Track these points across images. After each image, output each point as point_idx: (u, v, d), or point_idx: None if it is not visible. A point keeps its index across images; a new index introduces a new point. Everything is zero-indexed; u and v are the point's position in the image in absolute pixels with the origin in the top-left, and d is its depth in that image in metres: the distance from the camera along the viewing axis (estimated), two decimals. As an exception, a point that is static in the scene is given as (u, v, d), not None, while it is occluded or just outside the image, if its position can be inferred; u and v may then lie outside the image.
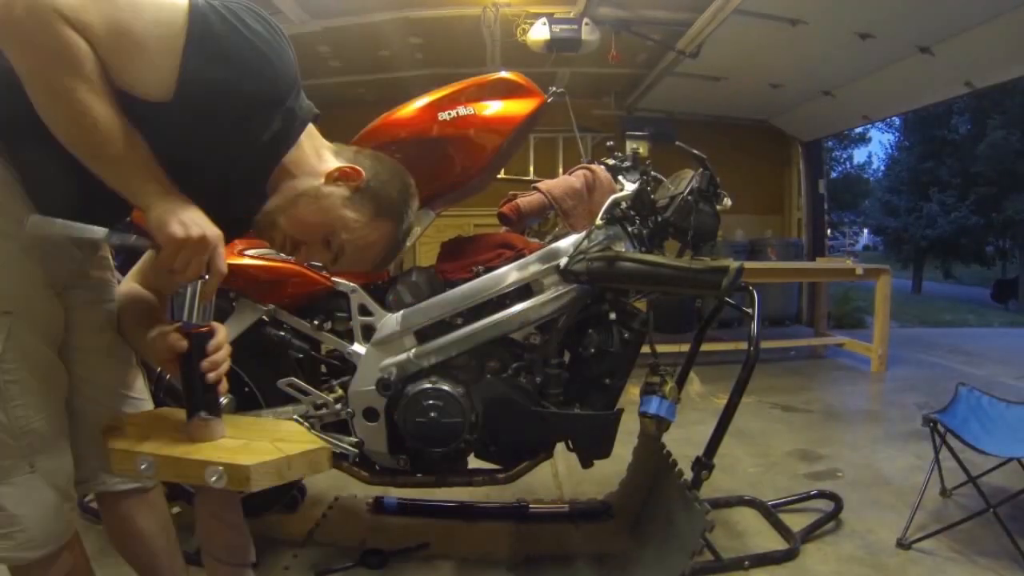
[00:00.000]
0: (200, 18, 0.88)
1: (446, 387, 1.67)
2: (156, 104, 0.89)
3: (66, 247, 1.02)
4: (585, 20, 3.91)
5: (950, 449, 2.00)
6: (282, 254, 1.86)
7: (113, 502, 1.20)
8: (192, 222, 0.90)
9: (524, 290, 1.68)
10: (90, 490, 1.17)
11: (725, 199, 1.88)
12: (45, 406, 1.00)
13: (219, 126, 0.94)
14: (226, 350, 1.05)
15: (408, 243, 1.83)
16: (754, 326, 1.74)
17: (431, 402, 1.65)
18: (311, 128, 1.11)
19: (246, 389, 1.88)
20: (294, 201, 1.07)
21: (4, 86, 0.87)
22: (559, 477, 2.52)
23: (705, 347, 2.05)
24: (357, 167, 1.11)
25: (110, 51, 0.85)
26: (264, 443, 1.02)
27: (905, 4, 3.42)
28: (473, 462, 1.84)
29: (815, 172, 6.34)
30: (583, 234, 1.67)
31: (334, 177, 1.09)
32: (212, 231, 0.92)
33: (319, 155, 1.11)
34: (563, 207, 1.76)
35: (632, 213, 1.79)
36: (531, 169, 5.51)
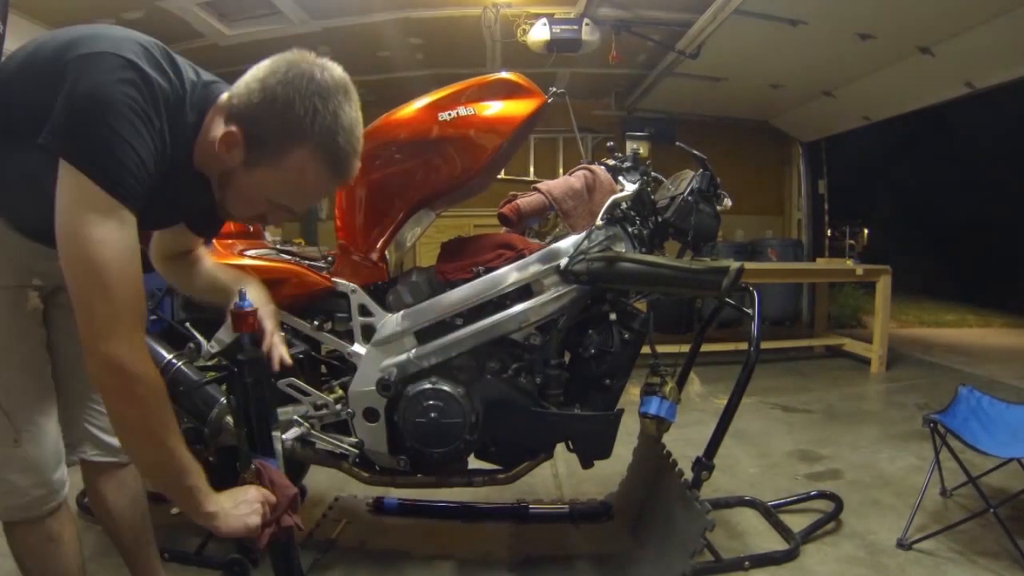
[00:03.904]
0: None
1: (446, 387, 1.67)
2: None
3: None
4: (585, 20, 3.92)
5: (950, 450, 2.00)
6: (283, 255, 1.87)
7: (93, 473, 1.32)
8: (244, 512, 1.00)
9: (524, 291, 1.68)
10: (73, 455, 1.28)
11: (725, 199, 1.88)
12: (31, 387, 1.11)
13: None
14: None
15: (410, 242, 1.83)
16: (754, 326, 1.75)
17: (431, 403, 1.65)
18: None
19: (246, 389, 1.88)
20: (219, 195, 1.07)
21: None
22: (559, 477, 2.52)
23: (705, 347, 2.05)
24: (229, 129, 0.97)
25: None
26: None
27: (905, 4, 3.41)
28: (473, 462, 1.84)
29: (815, 172, 6.34)
30: (583, 234, 1.66)
31: (222, 152, 0.99)
32: (255, 499, 1.02)
33: (214, 123, 1.01)
34: (563, 207, 1.76)
35: (632, 213, 1.79)
36: (531, 169, 5.52)
